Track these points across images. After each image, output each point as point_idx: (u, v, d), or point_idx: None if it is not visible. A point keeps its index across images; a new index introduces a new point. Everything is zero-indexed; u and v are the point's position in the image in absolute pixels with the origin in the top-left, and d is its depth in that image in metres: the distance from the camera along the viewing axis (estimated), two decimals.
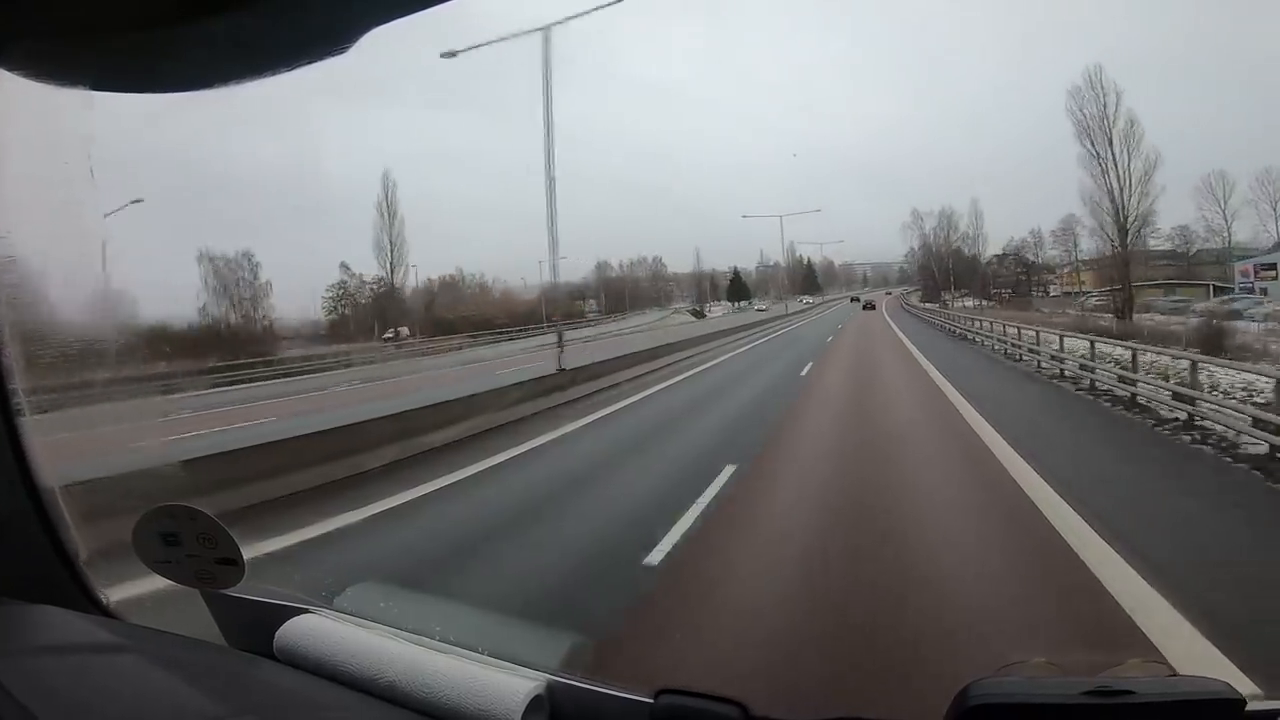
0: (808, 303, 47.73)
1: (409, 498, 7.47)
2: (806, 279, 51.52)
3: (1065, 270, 36.17)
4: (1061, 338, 17.43)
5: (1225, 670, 3.34)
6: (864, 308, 45.84)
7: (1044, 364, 16.92)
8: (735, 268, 50.86)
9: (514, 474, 8.82)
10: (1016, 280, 37.66)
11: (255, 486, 6.87)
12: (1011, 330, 21.06)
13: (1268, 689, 2.64)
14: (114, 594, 1.53)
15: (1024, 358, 18.58)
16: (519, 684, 1.19)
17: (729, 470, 7.88)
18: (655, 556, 5.47)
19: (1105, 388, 13.10)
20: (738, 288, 50.03)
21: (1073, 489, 6.62)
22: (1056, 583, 4.76)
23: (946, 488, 7.34)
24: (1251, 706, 1.01)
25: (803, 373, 17.36)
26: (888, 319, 36.18)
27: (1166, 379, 12.10)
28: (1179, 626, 3.96)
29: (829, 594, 4.74)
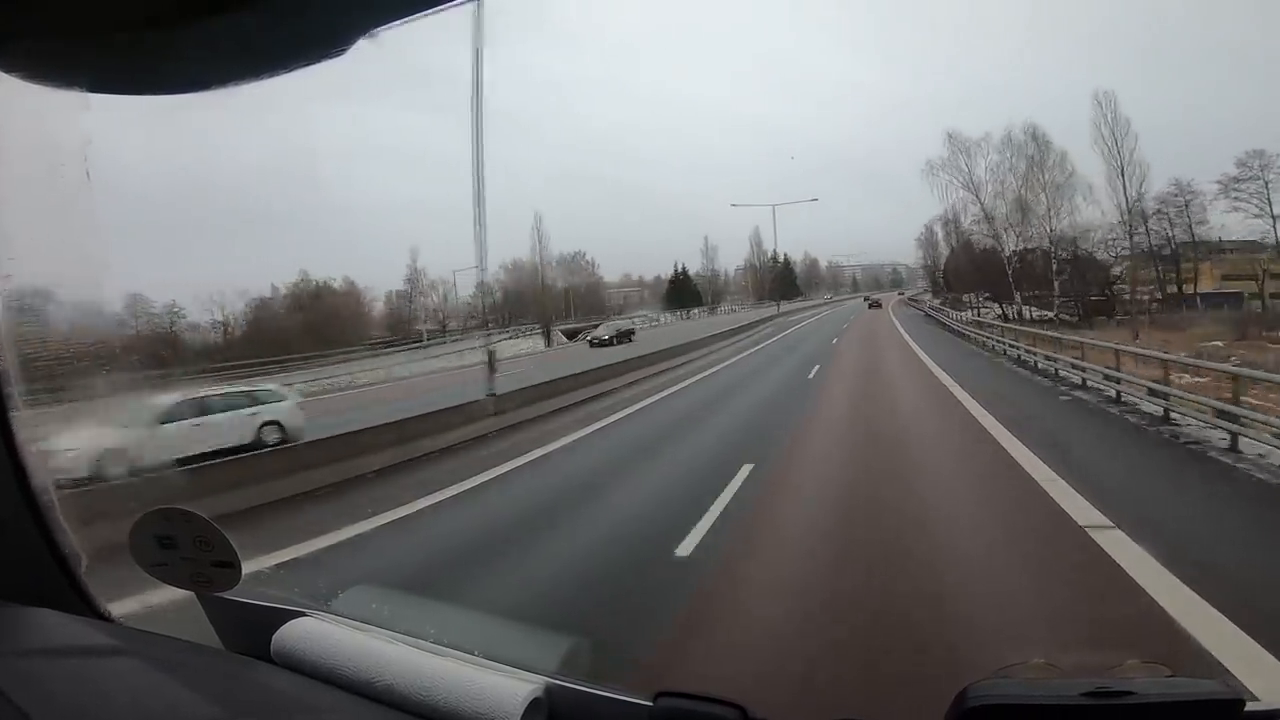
0: (633, 328, 33.16)
1: None
2: (782, 280, 43.17)
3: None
4: None
5: None
6: (870, 306, 40.11)
7: None
8: (682, 267, 40.96)
9: None
10: (1109, 279, 23.69)
11: None
12: None
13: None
14: (110, 597, 1.52)
15: None
16: (517, 686, 1.19)
17: None
18: None
19: None
20: (681, 292, 41.28)
21: None
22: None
23: None
24: (1250, 707, 1.02)
25: None
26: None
27: None
28: None
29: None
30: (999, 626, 4.24)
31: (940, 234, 31.89)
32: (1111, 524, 5.93)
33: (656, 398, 15.97)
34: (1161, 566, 5.02)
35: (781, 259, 43.68)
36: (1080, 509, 6.41)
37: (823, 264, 45.27)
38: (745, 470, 8.48)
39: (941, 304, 33.50)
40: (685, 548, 6.09)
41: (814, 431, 11.19)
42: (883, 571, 5.26)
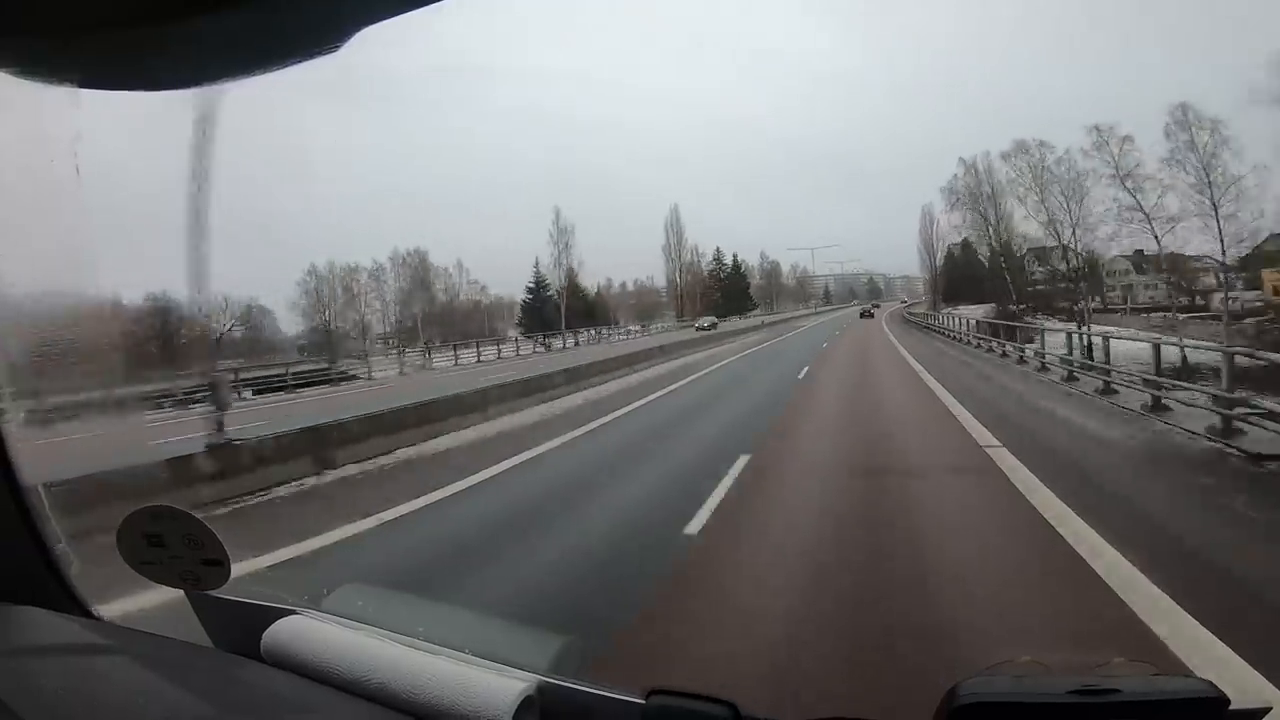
0: None
1: None
2: (729, 289, 30.40)
3: None
4: None
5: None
6: (861, 315, 30.70)
7: None
8: (540, 278, 27.56)
9: None
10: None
11: None
12: None
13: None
14: (99, 596, 1.52)
15: None
16: (510, 684, 1.19)
17: None
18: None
19: None
20: (542, 309, 28.63)
21: None
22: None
23: None
24: (1235, 705, 1.03)
25: None
26: None
27: None
28: None
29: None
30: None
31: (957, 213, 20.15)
32: None
33: None
34: None
35: (729, 263, 30.81)
36: None
37: (785, 269, 33.60)
38: None
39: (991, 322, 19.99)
40: None
41: None
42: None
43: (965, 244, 24.52)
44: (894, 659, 3.79)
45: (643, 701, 1.15)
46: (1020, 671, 1.17)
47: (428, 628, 1.38)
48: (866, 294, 33.90)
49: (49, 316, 1.52)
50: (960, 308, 23.93)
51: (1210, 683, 1.04)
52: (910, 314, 29.03)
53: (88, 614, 1.49)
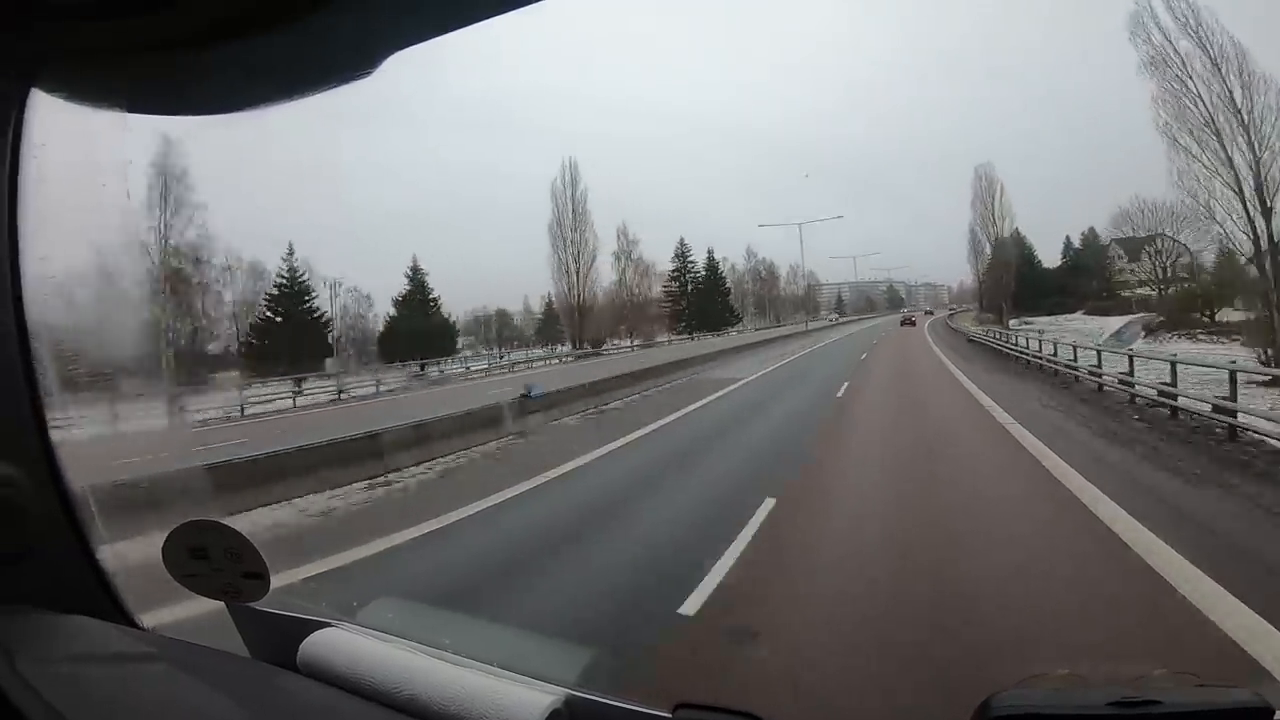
0: None
1: None
2: (702, 299, 22.38)
3: None
4: None
5: None
6: (902, 323, 25.96)
7: None
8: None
9: None
10: None
11: None
12: None
13: None
14: (145, 606, 1.55)
15: None
16: (538, 698, 1.20)
17: None
18: None
19: None
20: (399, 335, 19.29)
21: None
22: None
23: None
24: None
25: None
26: None
27: None
28: None
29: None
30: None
31: None
32: None
33: None
34: None
35: (705, 260, 21.65)
36: None
37: (783, 276, 25.49)
38: None
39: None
40: None
41: None
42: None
43: (1017, 234, 17.44)
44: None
45: (669, 715, 1.14)
46: (1056, 684, 1.14)
47: (457, 640, 1.39)
48: (887, 303, 27.65)
49: (95, 329, 1.57)
50: (1036, 320, 16.50)
51: (1256, 693, 1.01)
52: (978, 334, 19.33)
53: (134, 624, 1.52)
